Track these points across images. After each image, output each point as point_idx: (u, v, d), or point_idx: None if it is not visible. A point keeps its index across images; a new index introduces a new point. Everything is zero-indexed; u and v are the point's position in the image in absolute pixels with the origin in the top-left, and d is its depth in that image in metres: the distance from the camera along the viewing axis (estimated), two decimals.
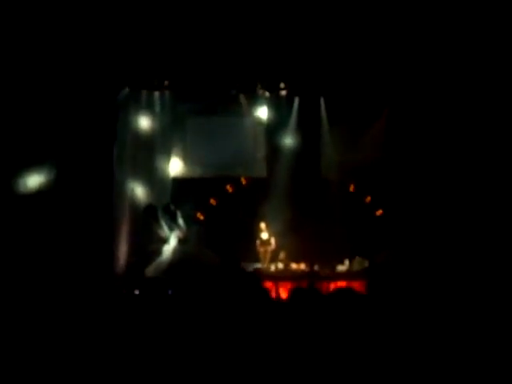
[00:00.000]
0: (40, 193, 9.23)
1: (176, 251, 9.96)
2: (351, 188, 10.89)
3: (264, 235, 10.23)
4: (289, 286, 8.96)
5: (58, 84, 9.20)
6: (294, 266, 10.08)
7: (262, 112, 11.03)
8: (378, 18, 8.58)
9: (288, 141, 11.03)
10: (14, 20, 8.21)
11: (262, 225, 10.27)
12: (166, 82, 10.33)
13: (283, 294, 8.79)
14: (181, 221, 10.20)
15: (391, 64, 9.77)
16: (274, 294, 8.92)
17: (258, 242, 10.23)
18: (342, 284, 9.05)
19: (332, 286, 9.03)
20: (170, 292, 5.79)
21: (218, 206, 10.61)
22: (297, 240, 10.12)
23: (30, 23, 8.32)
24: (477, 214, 9.81)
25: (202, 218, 10.59)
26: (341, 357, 3.15)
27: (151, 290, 6.21)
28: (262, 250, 10.19)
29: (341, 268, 10.04)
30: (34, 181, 9.28)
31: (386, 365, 3.09)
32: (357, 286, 8.82)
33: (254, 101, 10.92)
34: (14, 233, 8.59)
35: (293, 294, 3.93)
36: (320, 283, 8.98)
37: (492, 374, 3.07)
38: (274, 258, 10.22)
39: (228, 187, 10.74)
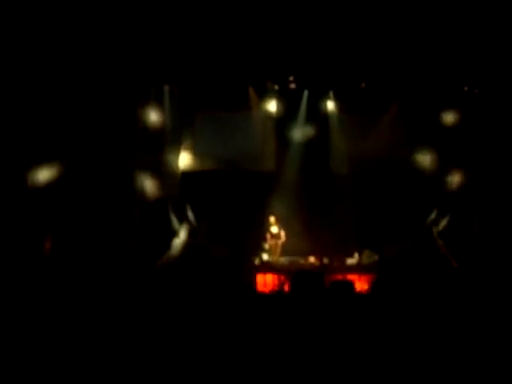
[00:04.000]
0: (54, 185, 9.35)
1: (186, 244, 10.01)
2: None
3: (274, 229, 10.24)
4: None
5: (72, 80, 9.30)
6: (303, 259, 10.09)
7: (271, 105, 11.03)
8: (386, 10, 8.52)
9: (297, 134, 11.02)
10: (25, 21, 8.30)
11: (272, 218, 10.27)
12: (176, 76, 10.34)
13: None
14: (190, 214, 10.24)
15: (400, 56, 9.72)
16: (285, 287, 8.95)
17: (268, 235, 10.24)
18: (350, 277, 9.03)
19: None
20: (180, 284, 5.84)
21: (228, 200, 10.62)
22: (306, 233, 10.14)
23: (43, 22, 8.39)
24: (488, 207, 9.80)
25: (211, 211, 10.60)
26: (340, 352, 3.17)
27: (160, 283, 6.25)
28: (272, 243, 10.20)
29: (350, 261, 10.03)
30: (47, 174, 9.40)
31: (388, 361, 3.10)
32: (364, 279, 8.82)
33: (263, 94, 10.92)
34: (26, 223, 8.73)
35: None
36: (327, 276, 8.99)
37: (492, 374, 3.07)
38: (284, 251, 10.23)
39: None
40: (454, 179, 10.54)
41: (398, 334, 3.27)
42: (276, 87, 10.80)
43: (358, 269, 9.70)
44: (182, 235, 10.14)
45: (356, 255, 10.09)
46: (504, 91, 9.72)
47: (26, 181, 9.26)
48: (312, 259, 10.03)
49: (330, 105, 10.99)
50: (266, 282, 9.28)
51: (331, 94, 10.92)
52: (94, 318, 3.72)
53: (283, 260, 10.16)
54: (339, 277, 9.12)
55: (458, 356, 3.16)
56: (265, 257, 10.05)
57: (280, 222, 10.30)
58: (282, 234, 10.20)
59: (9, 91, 8.92)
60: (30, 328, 3.61)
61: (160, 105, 10.64)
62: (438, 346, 3.16)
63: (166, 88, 10.62)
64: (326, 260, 9.95)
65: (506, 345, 3.19)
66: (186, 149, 11.02)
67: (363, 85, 10.46)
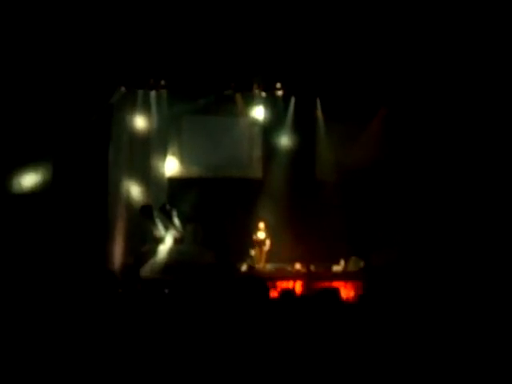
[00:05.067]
0: (34, 193, 9.20)
1: (171, 251, 9.95)
2: None
3: (261, 234, 10.21)
4: (284, 285, 8.98)
5: (51, 84, 9.18)
6: (289, 266, 10.09)
7: (258, 112, 11.04)
8: (373, 16, 8.58)
9: (284, 141, 11.03)
10: (7, 18, 8.18)
11: (261, 224, 10.24)
12: (162, 82, 10.31)
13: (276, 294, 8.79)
14: (176, 221, 10.19)
15: (387, 63, 9.77)
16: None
17: (254, 241, 10.21)
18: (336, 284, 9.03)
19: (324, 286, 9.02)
20: (166, 291, 5.80)
21: (214, 207, 10.60)
22: (292, 240, 10.13)
23: (23, 22, 8.28)
24: (477, 215, 9.82)
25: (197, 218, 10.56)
26: (328, 359, 3.15)
27: (147, 290, 6.20)
28: (258, 249, 10.18)
29: (336, 268, 10.04)
30: (28, 181, 9.26)
31: (376, 369, 3.09)
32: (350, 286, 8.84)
33: (250, 101, 10.92)
34: (7, 233, 8.56)
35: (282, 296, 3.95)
36: (313, 283, 9.01)
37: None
38: (271, 258, 10.21)
39: None
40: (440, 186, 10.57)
41: (386, 341, 3.26)
42: (263, 94, 10.82)
43: (344, 276, 9.71)
44: (168, 242, 10.08)
45: (342, 262, 10.10)
46: (496, 99, 9.77)
47: (9, 186, 9.12)
48: (298, 266, 10.03)
49: (317, 112, 11.02)
50: None
51: (318, 101, 10.95)
52: (81, 325, 3.67)
53: (269, 267, 10.14)
54: (325, 284, 9.14)
55: (446, 366, 3.16)
56: (252, 263, 10.03)
57: (266, 229, 10.29)
58: (267, 241, 10.19)
59: None
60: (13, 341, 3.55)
61: (146, 110, 10.60)
62: (427, 355, 3.16)
63: (153, 93, 10.58)
64: (312, 267, 9.96)
65: (493, 352, 3.20)
66: (172, 154, 11.01)
67: (350, 93, 10.48)
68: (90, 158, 9.65)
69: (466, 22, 8.56)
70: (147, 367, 3.21)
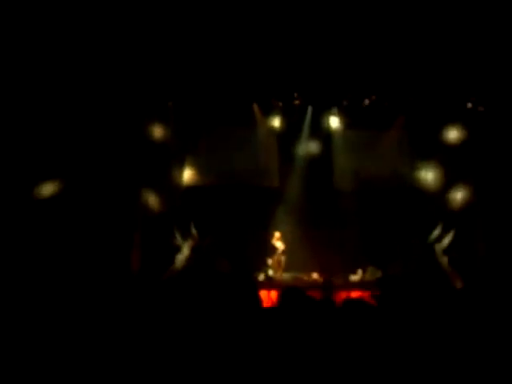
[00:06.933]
0: (56, 200, 9.36)
1: (188, 260, 10.00)
2: None
3: (278, 244, 10.22)
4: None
5: (76, 94, 9.37)
6: (306, 275, 10.07)
7: (276, 122, 11.08)
8: (392, 27, 8.58)
9: (301, 150, 11.05)
10: (35, 30, 8.37)
11: (277, 233, 10.26)
12: (181, 92, 10.39)
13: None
14: (193, 230, 10.25)
15: (405, 72, 9.76)
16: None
17: (272, 251, 10.21)
18: (354, 294, 8.96)
19: (344, 295, 8.96)
20: (182, 299, 5.82)
21: (231, 215, 10.63)
22: (309, 249, 10.11)
23: (49, 33, 8.47)
24: (497, 225, 9.74)
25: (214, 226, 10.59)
26: (348, 368, 3.15)
27: (164, 297, 6.23)
28: (275, 259, 10.18)
29: (354, 278, 10.01)
30: (51, 188, 9.43)
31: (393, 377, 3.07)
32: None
33: (267, 110, 10.97)
34: (29, 238, 8.73)
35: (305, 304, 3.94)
36: (333, 293, 8.95)
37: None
38: (288, 268, 10.20)
39: None
40: (459, 195, 10.51)
41: (400, 349, 3.25)
42: (280, 103, 10.86)
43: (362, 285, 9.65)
44: (185, 251, 10.14)
45: (359, 272, 10.06)
46: (508, 108, 9.71)
47: (31, 195, 9.30)
48: (315, 275, 10.00)
49: (334, 121, 11.03)
50: (270, 298, 9.24)
51: (335, 109, 10.97)
52: (97, 332, 3.71)
53: (286, 276, 10.13)
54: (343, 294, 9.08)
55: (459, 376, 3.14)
56: (269, 273, 10.03)
57: (283, 238, 10.29)
58: (284, 250, 10.18)
59: (16, 106, 9.01)
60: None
61: (165, 120, 10.71)
62: (440, 366, 3.14)
63: (171, 104, 10.69)
64: (329, 276, 9.92)
65: (507, 363, 3.17)
66: (190, 164, 11.07)
67: (367, 101, 10.50)
68: (112, 167, 9.79)
69: (482, 32, 8.51)
70: (157, 369, 3.24)
